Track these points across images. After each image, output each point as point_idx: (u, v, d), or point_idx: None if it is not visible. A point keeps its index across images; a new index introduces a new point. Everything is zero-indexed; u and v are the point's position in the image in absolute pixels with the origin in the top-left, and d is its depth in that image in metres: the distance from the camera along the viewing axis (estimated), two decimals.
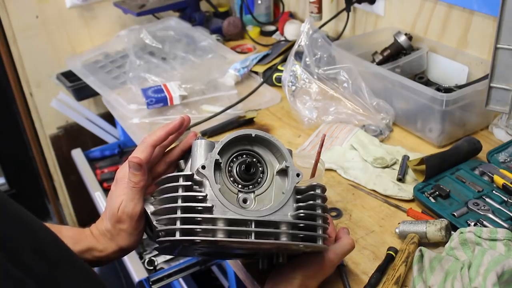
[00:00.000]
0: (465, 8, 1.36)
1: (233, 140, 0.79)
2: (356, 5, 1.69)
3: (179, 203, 0.73)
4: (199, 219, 0.72)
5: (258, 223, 0.74)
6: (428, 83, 1.42)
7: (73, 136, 2.25)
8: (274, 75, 1.60)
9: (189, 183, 0.74)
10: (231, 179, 0.78)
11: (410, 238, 0.96)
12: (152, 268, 1.47)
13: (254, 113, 1.46)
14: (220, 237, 0.71)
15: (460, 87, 1.31)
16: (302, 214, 0.76)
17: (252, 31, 1.99)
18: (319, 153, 1.04)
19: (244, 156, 0.80)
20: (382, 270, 0.92)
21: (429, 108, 1.23)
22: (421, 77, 1.44)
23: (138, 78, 1.64)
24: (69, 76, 1.89)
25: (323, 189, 0.81)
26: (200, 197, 0.73)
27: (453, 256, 0.91)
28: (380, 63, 1.46)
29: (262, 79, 1.63)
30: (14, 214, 0.54)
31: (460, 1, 1.37)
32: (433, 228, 0.96)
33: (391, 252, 0.95)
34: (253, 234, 0.72)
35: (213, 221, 0.72)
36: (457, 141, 1.23)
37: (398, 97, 1.33)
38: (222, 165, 0.78)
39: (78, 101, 2.00)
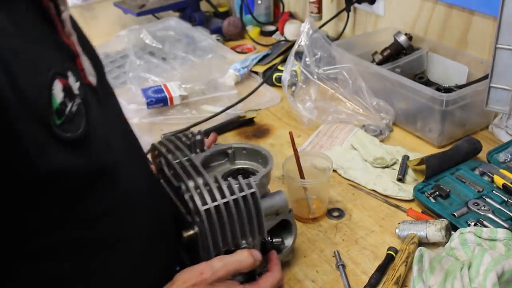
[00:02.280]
0: (465, 8, 1.36)
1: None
2: (356, 5, 1.69)
3: None
4: None
5: None
6: (428, 83, 1.42)
7: None
8: (274, 75, 1.60)
9: None
10: None
11: (410, 238, 0.96)
12: None
13: (254, 113, 1.46)
14: None
15: (460, 87, 1.31)
16: None
17: (252, 31, 1.99)
18: (295, 151, 1.04)
19: None
20: (382, 270, 0.92)
21: (429, 108, 1.23)
22: (421, 77, 1.44)
23: (138, 78, 1.64)
24: None
25: None
26: None
27: (453, 256, 0.91)
28: (380, 63, 1.46)
29: (262, 79, 1.63)
30: None
31: (460, 1, 1.37)
32: (433, 228, 0.96)
33: (391, 252, 0.95)
34: None
35: None
36: (457, 141, 1.23)
37: (398, 97, 1.33)
38: None
39: None
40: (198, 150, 0.91)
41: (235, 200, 0.76)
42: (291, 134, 1.04)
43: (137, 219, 0.67)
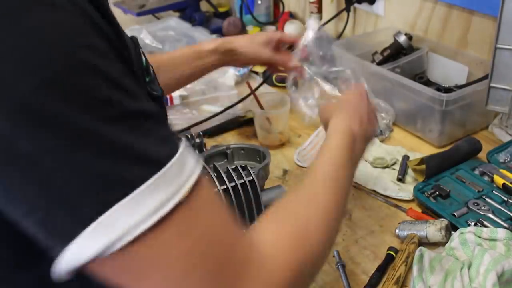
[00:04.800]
0: (465, 8, 1.36)
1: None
2: (356, 5, 1.69)
3: None
4: None
5: None
6: (428, 83, 1.42)
7: None
8: (274, 75, 1.60)
9: None
10: None
11: (410, 238, 0.96)
12: None
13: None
14: None
15: (460, 87, 1.31)
16: None
17: (252, 31, 1.99)
18: (251, 89, 1.25)
19: None
20: (382, 270, 0.92)
21: (429, 108, 1.23)
22: (421, 77, 1.44)
23: None
24: None
25: None
26: None
27: (453, 256, 0.91)
28: (380, 63, 1.46)
29: (262, 79, 1.62)
30: None
31: (460, 1, 1.37)
32: (433, 228, 0.96)
33: (391, 252, 0.95)
34: None
35: None
36: (457, 141, 1.23)
37: (398, 97, 1.33)
38: None
39: None
40: (197, 151, 0.92)
41: (234, 187, 0.77)
42: (248, 83, 1.30)
43: None
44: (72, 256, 0.40)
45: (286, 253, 0.51)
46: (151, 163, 0.41)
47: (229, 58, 1.08)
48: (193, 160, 0.45)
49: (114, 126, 0.40)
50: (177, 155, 0.43)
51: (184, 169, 0.43)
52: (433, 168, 1.12)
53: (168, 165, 0.42)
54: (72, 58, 0.39)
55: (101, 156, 0.39)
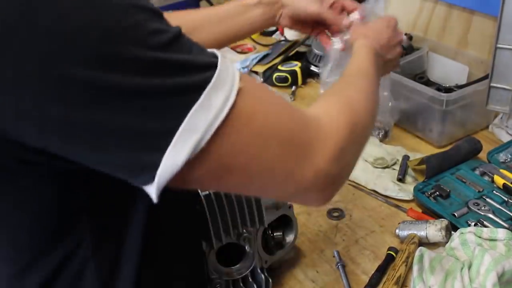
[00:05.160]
0: (465, 8, 1.36)
1: None
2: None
3: None
4: None
5: None
6: (428, 83, 1.42)
7: None
8: (274, 75, 1.60)
9: None
10: None
11: (411, 238, 0.96)
12: None
13: None
14: None
15: (460, 87, 1.31)
16: None
17: None
18: None
19: None
20: (382, 270, 0.92)
21: (429, 108, 1.23)
22: (421, 77, 1.44)
23: None
24: None
25: None
26: None
27: (454, 256, 0.91)
28: None
29: (262, 79, 1.62)
30: None
31: (460, 1, 1.37)
32: (433, 228, 0.96)
33: (391, 252, 0.95)
34: None
35: None
36: (457, 141, 1.23)
37: (398, 97, 1.33)
38: None
39: None
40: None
41: None
42: None
43: None
44: (166, 168, 0.46)
45: (339, 116, 0.60)
46: (206, 68, 0.48)
47: (274, 11, 1.02)
48: (228, 60, 0.51)
49: (168, 50, 0.46)
50: (219, 58, 0.50)
51: (229, 67, 0.50)
52: (433, 168, 1.12)
53: (218, 66, 0.48)
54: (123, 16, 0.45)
55: (171, 74, 0.46)
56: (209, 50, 0.51)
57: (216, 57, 0.50)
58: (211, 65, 0.48)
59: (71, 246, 0.56)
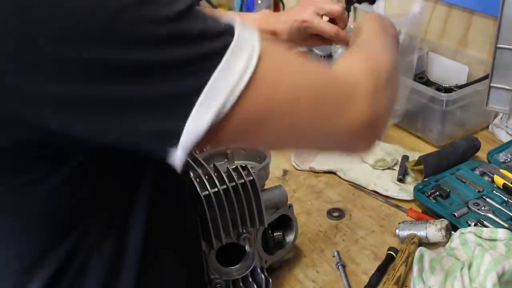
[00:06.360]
0: (465, 8, 1.36)
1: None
2: (356, 5, 1.69)
3: None
4: None
5: None
6: (428, 83, 1.42)
7: None
8: None
9: None
10: None
11: (411, 238, 0.96)
12: None
13: None
14: None
15: (460, 87, 1.31)
16: None
17: None
18: None
19: None
20: (382, 270, 0.92)
21: (429, 108, 1.23)
22: (421, 77, 1.44)
23: None
24: None
25: None
26: None
27: (454, 256, 0.91)
28: None
29: None
30: None
31: (460, 1, 1.37)
32: (433, 228, 0.96)
33: (391, 252, 0.95)
34: None
35: None
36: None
37: (398, 97, 1.33)
38: None
39: None
40: (197, 151, 0.92)
41: (235, 187, 0.77)
42: None
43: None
44: (191, 131, 0.47)
45: (364, 64, 0.61)
46: (224, 34, 0.48)
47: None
48: (245, 25, 0.51)
49: (183, 19, 0.47)
50: (237, 23, 0.50)
51: (247, 31, 0.50)
52: (431, 166, 1.12)
53: (236, 31, 0.49)
54: None
55: (189, 43, 0.46)
56: (225, 18, 0.52)
57: (233, 23, 0.51)
58: (229, 31, 0.49)
59: (77, 239, 0.57)
